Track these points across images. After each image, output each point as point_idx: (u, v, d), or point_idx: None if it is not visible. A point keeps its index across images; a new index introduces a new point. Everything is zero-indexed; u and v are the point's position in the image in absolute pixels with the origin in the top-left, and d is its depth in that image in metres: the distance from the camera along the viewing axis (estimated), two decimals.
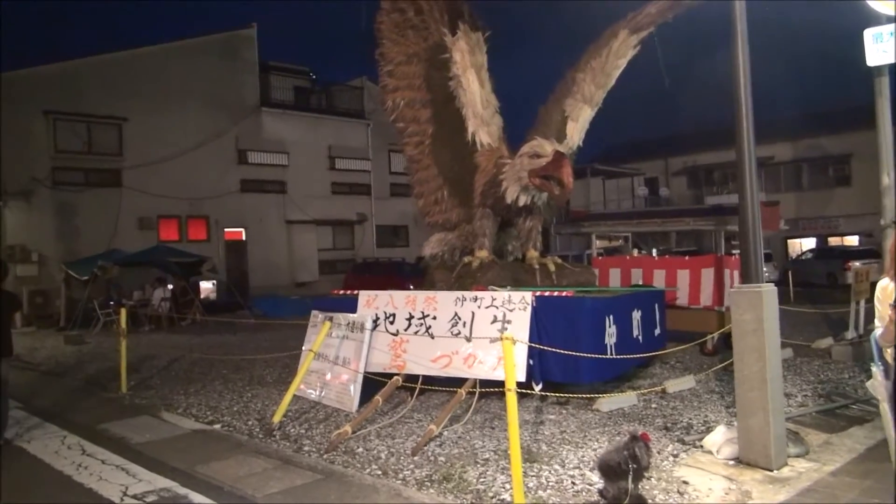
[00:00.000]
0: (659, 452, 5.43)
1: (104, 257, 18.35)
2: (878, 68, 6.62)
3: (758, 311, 5.04)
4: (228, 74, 25.16)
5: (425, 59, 9.38)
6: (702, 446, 5.50)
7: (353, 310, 7.75)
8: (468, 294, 7.17)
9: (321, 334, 7.24)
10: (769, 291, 5.12)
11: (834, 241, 30.61)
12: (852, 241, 29.62)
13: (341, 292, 8.46)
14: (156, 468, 5.48)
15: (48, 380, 10.29)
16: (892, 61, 6.41)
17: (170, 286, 18.36)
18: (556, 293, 7.30)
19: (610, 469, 4.19)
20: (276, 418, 6.61)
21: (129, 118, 22.21)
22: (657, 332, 8.63)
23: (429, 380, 7.10)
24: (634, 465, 4.11)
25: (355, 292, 7.94)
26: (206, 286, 22.05)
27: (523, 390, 6.49)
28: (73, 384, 9.80)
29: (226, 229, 24.62)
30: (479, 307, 6.98)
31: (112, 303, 17.12)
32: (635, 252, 14.48)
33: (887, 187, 6.70)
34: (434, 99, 9.39)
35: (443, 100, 9.09)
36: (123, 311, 9.48)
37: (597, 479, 4.83)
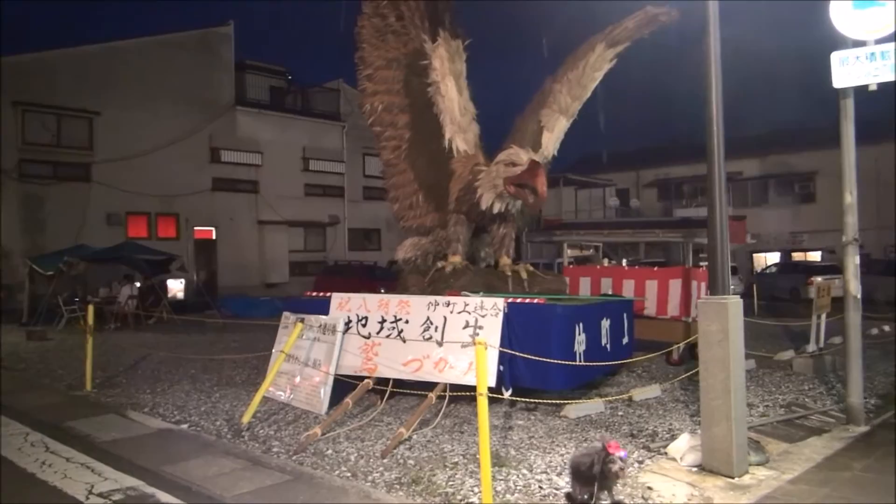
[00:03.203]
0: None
1: (70, 252, 18.01)
2: (844, 90, 6.82)
3: (723, 322, 5.17)
4: (204, 72, 24.95)
5: (405, 65, 9.43)
6: (666, 453, 5.61)
7: (326, 312, 7.75)
8: (441, 299, 7.23)
9: (292, 336, 7.23)
10: (735, 303, 5.26)
11: (798, 256, 31.33)
12: (815, 256, 30.35)
13: (314, 294, 8.45)
14: (122, 467, 5.42)
15: (10, 376, 10.08)
16: (857, 84, 6.62)
17: (137, 284, 18.10)
18: (527, 300, 7.39)
19: (580, 473, 4.26)
20: (246, 419, 6.59)
21: (100, 112, 21.90)
22: (625, 340, 8.77)
23: (400, 383, 7.13)
24: (603, 474, 4.15)
25: (328, 294, 7.94)
26: (175, 285, 21.77)
27: (493, 395, 6.59)
28: (36, 381, 9.63)
29: (196, 228, 24.37)
30: (451, 312, 7.04)
31: (77, 299, 16.83)
32: (605, 262, 14.66)
33: (849, 205, 6.89)
34: (412, 104, 9.45)
35: (421, 105, 9.15)
36: (90, 308, 9.33)
37: (563, 484, 4.92)
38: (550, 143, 8.88)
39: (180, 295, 21.78)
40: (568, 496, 4.53)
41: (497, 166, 8.22)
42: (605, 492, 4.26)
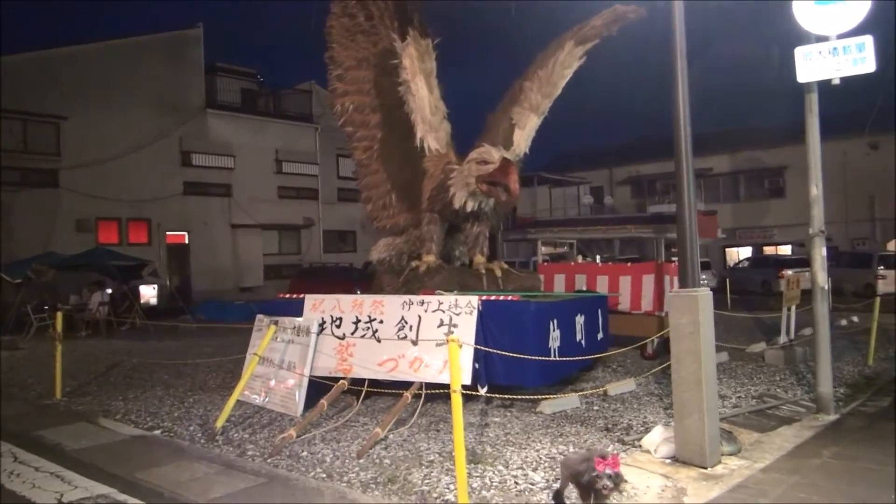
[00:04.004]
0: None
1: (39, 260, 17.70)
2: (808, 85, 6.94)
3: (694, 314, 5.23)
4: (173, 75, 24.63)
5: (375, 64, 9.41)
6: (640, 446, 5.67)
7: (300, 313, 7.70)
8: (415, 298, 7.21)
9: (266, 338, 7.17)
10: (705, 296, 5.31)
11: (769, 250, 31.81)
12: (786, 250, 30.84)
13: (287, 296, 8.39)
14: (93, 475, 5.33)
15: None
16: (821, 78, 6.75)
17: (108, 290, 17.83)
18: (501, 297, 7.41)
19: (575, 479, 4.04)
20: (219, 423, 6.52)
21: (68, 117, 21.51)
22: (600, 336, 8.83)
23: (375, 383, 7.11)
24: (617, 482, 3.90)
25: (301, 296, 7.88)
26: (148, 291, 21.47)
27: (469, 392, 6.59)
28: (4, 391, 9.41)
29: (168, 233, 24.05)
30: (425, 311, 7.03)
31: (46, 307, 16.52)
32: (580, 258, 14.74)
33: (815, 198, 7.01)
34: (383, 104, 9.43)
35: (392, 105, 9.13)
36: (59, 315, 9.17)
37: (539, 479, 4.94)
38: (522, 140, 8.91)
39: (153, 301, 21.49)
40: (556, 495, 4.43)
41: (469, 165, 8.23)
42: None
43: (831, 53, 6.63)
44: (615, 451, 5.05)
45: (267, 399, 7.47)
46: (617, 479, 3.81)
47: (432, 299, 7.12)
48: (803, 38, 6.83)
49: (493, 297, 7.28)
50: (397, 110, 8.96)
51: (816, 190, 7.06)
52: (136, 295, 19.51)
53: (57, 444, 6.32)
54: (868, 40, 6.42)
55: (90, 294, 17.47)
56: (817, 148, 7.06)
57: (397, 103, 8.90)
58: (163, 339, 14.78)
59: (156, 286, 21.56)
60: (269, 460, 5.64)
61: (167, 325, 16.07)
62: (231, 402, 6.65)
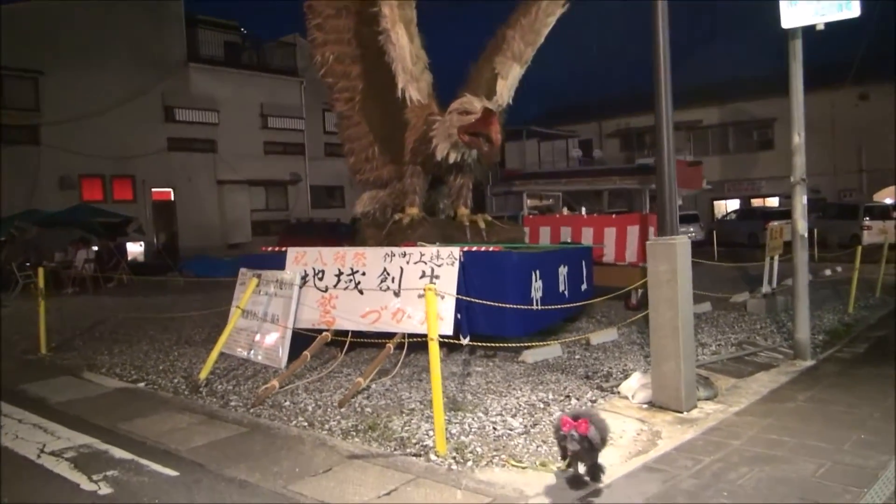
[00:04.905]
0: (578, 399, 5.66)
1: (22, 217, 17.54)
2: (792, 31, 6.86)
3: (672, 262, 5.25)
4: (153, 28, 24.15)
5: (355, 13, 9.19)
6: (619, 392, 5.75)
7: (282, 267, 7.69)
8: (397, 250, 7.20)
9: (248, 291, 7.18)
10: (683, 243, 5.33)
11: (757, 202, 31.89)
12: (773, 202, 30.92)
13: (269, 249, 8.36)
14: (76, 426, 5.37)
15: None
16: (805, 24, 6.66)
17: (94, 247, 17.73)
18: (483, 248, 7.41)
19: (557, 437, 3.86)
20: (203, 375, 6.55)
21: (45, 72, 21.11)
22: (584, 287, 8.88)
23: (360, 335, 7.14)
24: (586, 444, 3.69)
25: (283, 249, 7.86)
26: (135, 248, 21.39)
27: (454, 341, 6.64)
28: None
29: (153, 189, 23.89)
30: (407, 263, 7.03)
31: (28, 264, 16.43)
32: (565, 211, 14.73)
33: (797, 145, 7.00)
34: (364, 54, 9.25)
35: (373, 55, 8.94)
36: (41, 270, 9.13)
37: (517, 425, 5.01)
38: (505, 90, 8.79)
39: (141, 258, 21.44)
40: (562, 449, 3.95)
41: (451, 115, 8.12)
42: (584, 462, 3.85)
43: None
44: (590, 408, 5.00)
45: (252, 352, 7.52)
46: (583, 442, 3.66)
47: (414, 251, 7.11)
48: None
49: (474, 248, 7.28)
50: (378, 60, 8.78)
51: (799, 138, 7.04)
52: (123, 252, 19.43)
53: (41, 398, 6.35)
54: None
55: (75, 251, 17.37)
56: (800, 96, 7.02)
57: (378, 53, 8.73)
58: (150, 296, 14.77)
59: (142, 243, 21.47)
60: (251, 410, 5.69)
61: (155, 279, 16.04)
62: (214, 353, 6.68)
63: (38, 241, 17.52)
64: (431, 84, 8.89)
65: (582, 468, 3.87)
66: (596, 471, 3.88)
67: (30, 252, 17.30)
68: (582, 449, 3.69)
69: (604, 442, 3.86)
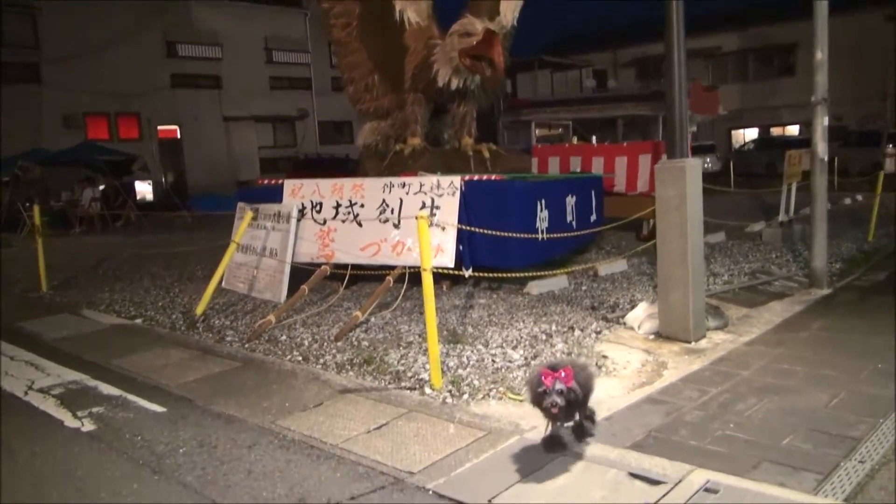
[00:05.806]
0: (582, 330, 5.46)
1: (26, 157, 17.36)
2: None
3: (681, 186, 4.95)
4: None
5: None
6: (624, 323, 5.54)
7: (280, 200, 7.46)
8: (396, 180, 6.93)
9: (242, 225, 7.00)
10: (693, 166, 5.02)
11: (776, 131, 30.98)
12: (794, 130, 30.01)
13: (266, 182, 8.12)
14: (68, 362, 5.28)
15: None
16: None
17: (101, 186, 17.57)
18: (485, 177, 7.12)
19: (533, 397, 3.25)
20: (199, 310, 6.43)
21: (41, 7, 20.53)
22: (593, 218, 8.59)
23: (360, 268, 6.96)
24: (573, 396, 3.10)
25: (280, 181, 7.62)
26: (143, 187, 21.21)
27: (457, 272, 6.43)
28: None
29: (159, 127, 23.54)
30: (407, 193, 6.76)
31: (28, 204, 16.33)
32: (574, 140, 14.27)
33: (820, 62, 6.56)
34: None
35: None
36: (36, 209, 8.99)
37: (517, 357, 4.84)
38: (509, 11, 8.29)
39: (149, 196, 21.30)
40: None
41: (451, 38, 7.72)
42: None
43: None
44: (571, 357, 4.66)
45: (251, 287, 7.37)
46: (569, 394, 3.07)
47: (414, 181, 6.84)
48: None
49: (476, 177, 6.99)
50: None
51: (821, 54, 6.60)
52: (131, 191, 19.27)
53: (36, 334, 6.27)
54: None
55: (81, 190, 17.24)
56: (825, 10, 6.55)
57: None
58: (157, 233, 14.68)
59: (149, 182, 21.29)
60: (246, 345, 5.57)
61: (163, 217, 15.90)
62: (210, 288, 6.53)
63: (44, 180, 17.39)
64: (431, 5, 8.43)
65: (566, 425, 3.31)
66: (584, 427, 3.40)
67: (35, 192, 17.19)
68: (568, 403, 3.09)
69: (590, 391, 3.34)
